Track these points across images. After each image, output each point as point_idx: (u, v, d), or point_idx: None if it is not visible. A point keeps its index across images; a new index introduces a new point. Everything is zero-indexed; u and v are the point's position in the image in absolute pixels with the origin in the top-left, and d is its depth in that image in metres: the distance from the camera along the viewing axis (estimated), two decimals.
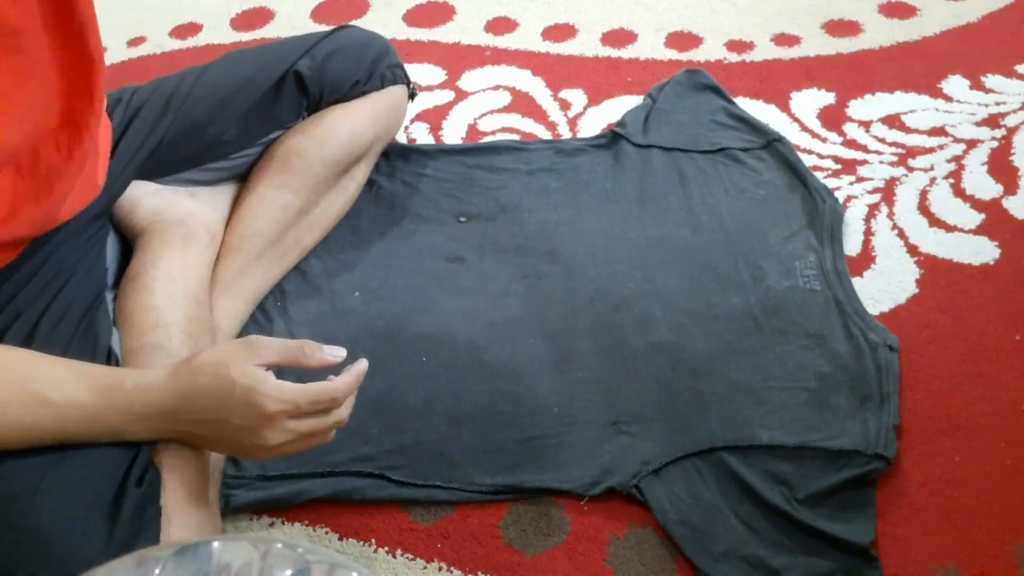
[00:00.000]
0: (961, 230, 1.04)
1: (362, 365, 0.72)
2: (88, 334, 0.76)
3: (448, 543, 0.80)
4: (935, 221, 1.06)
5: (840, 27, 1.39)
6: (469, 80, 1.36)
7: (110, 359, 0.76)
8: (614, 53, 1.39)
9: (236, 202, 1.00)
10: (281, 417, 0.67)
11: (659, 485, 0.81)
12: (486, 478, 0.83)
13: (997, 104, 1.21)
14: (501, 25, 1.48)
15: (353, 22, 1.42)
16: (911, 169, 1.13)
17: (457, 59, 1.41)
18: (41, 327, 0.73)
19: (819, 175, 1.12)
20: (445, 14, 1.52)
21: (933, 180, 1.11)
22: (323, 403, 0.69)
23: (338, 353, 0.71)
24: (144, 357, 0.77)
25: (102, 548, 0.61)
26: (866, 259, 1.02)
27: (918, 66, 1.29)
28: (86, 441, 0.66)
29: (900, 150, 1.16)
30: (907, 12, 1.40)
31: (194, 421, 0.67)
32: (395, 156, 1.18)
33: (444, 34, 1.47)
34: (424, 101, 1.31)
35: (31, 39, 0.68)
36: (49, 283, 0.77)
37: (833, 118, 1.22)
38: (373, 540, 0.81)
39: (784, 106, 1.24)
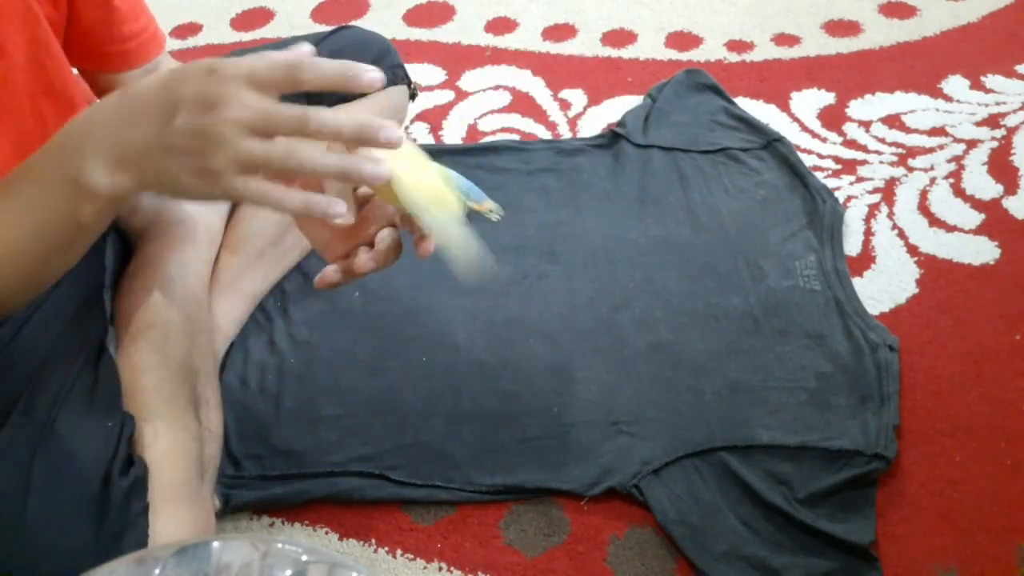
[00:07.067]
0: (961, 230, 1.04)
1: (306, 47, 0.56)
2: (80, 331, 0.76)
3: (448, 543, 0.80)
4: (935, 221, 1.06)
5: (840, 27, 1.39)
6: (469, 80, 1.36)
7: (103, 357, 0.76)
8: (614, 53, 1.39)
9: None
10: (240, 83, 0.52)
11: (659, 485, 0.81)
12: (486, 478, 0.83)
13: (997, 104, 1.21)
14: (501, 25, 1.48)
15: (353, 22, 1.42)
16: (911, 169, 1.13)
17: (457, 59, 1.41)
18: (33, 322, 0.73)
19: (819, 175, 1.12)
20: (445, 14, 1.52)
21: (933, 180, 1.11)
22: (287, 68, 0.53)
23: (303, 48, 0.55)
24: (140, 356, 0.77)
25: (90, 544, 0.61)
26: (866, 259, 1.02)
27: (918, 66, 1.29)
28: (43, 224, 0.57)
29: (900, 150, 1.16)
30: (907, 12, 1.40)
31: (142, 112, 0.54)
32: None
33: (444, 34, 1.47)
34: (424, 101, 1.32)
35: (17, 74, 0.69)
36: None
37: (833, 118, 1.22)
38: (373, 540, 0.81)
39: (784, 106, 1.24)
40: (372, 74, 0.53)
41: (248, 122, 0.52)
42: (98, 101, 0.57)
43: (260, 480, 0.84)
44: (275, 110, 0.53)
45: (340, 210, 0.55)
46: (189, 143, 0.52)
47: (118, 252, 0.91)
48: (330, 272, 0.64)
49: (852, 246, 1.03)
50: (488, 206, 0.67)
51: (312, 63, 0.53)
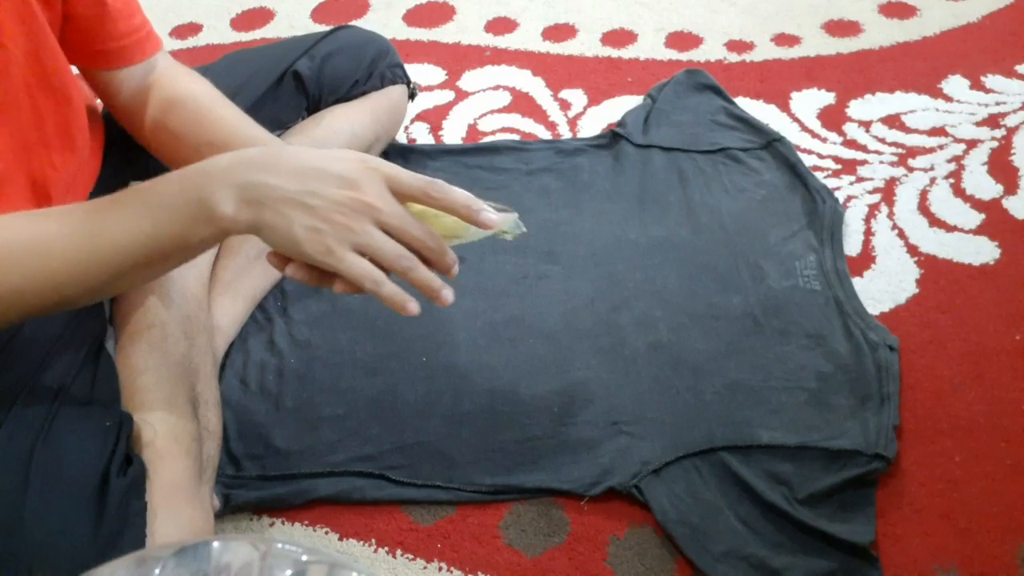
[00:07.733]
0: (961, 230, 1.04)
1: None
2: (78, 330, 0.76)
3: (448, 543, 0.80)
4: (935, 221, 1.06)
5: (840, 27, 1.39)
6: (469, 80, 1.36)
7: (101, 356, 0.75)
8: (614, 53, 1.39)
9: None
10: (384, 180, 0.62)
11: (659, 485, 0.81)
12: (486, 478, 0.83)
13: (997, 104, 1.21)
14: (501, 25, 1.48)
15: (353, 22, 1.42)
16: (911, 169, 1.13)
17: (457, 59, 1.41)
18: (32, 321, 0.73)
19: (819, 175, 1.12)
20: (445, 14, 1.52)
21: (933, 180, 1.11)
22: (423, 184, 0.63)
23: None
24: (139, 356, 0.77)
25: (88, 543, 0.61)
26: (866, 259, 1.02)
27: (918, 66, 1.29)
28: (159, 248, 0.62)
29: (900, 150, 1.16)
30: (907, 12, 1.41)
31: (288, 169, 0.61)
32: (395, 156, 1.18)
33: (444, 34, 1.47)
34: (424, 101, 1.32)
35: (16, 70, 0.70)
36: None
37: (833, 118, 1.22)
38: (373, 540, 0.81)
39: (784, 106, 1.24)
40: (489, 215, 0.65)
41: (383, 218, 0.61)
42: (246, 149, 0.64)
43: (260, 480, 0.84)
44: (411, 221, 0.63)
45: (415, 311, 0.64)
46: (324, 208, 0.60)
47: None
48: (300, 273, 0.65)
49: (852, 246, 1.03)
50: (501, 227, 0.70)
51: (444, 188, 0.64)
